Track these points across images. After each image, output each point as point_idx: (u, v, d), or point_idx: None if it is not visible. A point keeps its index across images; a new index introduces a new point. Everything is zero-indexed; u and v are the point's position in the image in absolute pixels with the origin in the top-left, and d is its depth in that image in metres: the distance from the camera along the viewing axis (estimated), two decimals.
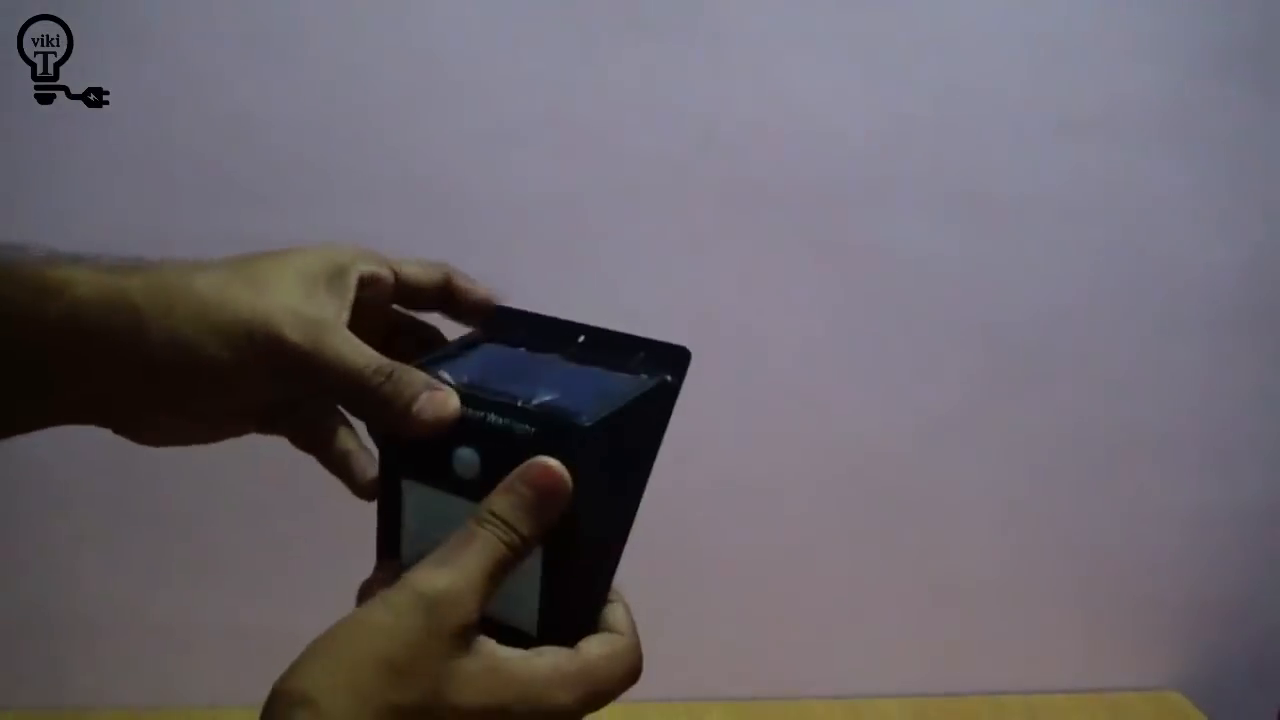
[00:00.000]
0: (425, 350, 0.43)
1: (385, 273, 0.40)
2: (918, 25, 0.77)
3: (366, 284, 0.40)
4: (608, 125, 0.78)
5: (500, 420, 0.37)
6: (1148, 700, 0.96)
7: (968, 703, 0.96)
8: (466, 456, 0.38)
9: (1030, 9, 0.78)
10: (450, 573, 0.33)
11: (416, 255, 0.43)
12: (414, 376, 0.37)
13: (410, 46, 0.76)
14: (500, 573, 0.34)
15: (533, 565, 0.37)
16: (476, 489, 0.37)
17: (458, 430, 0.37)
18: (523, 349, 0.43)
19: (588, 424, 0.36)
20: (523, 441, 0.36)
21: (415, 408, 0.37)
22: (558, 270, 0.80)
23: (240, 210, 0.75)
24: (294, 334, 0.36)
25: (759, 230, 0.81)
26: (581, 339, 0.43)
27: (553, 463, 0.35)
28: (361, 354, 0.37)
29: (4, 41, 0.68)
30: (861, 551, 0.92)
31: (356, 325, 0.39)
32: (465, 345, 0.43)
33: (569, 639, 0.37)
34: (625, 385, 0.41)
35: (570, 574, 0.37)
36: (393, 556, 0.42)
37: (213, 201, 0.76)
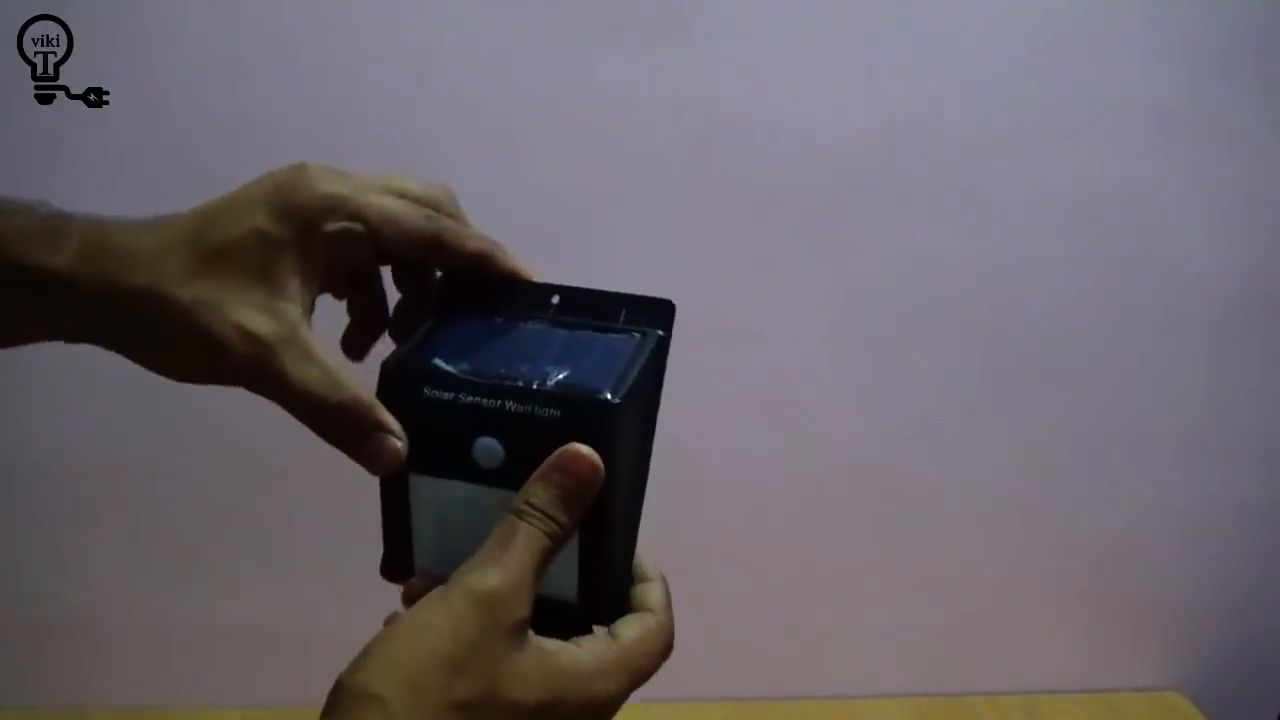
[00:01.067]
0: (415, 281, 0.42)
1: (355, 227, 0.37)
2: (918, 25, 0.77)
3: (336, 241, 0.37)
4: (607, 125, 0.78)
5: (521, 407, 0.36)
6: (1148, 700, 0.96)
7: (968, 703, 0.95)
8: (489, 446, 0.36)
9: (1030, 9, 0.78)
10: (501, 571, 0.34)
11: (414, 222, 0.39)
12: (361, 416, 0.36)
13: (409, 46, 0.76)
14: (546, 563, 0.35)
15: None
16: (501, 477, 0.36)
17: (475, 420, 0.36)
18: (500, 318, 0.41)
19: (616, 401, 0.36)
20: (548, 425, 0.36)
21: (365, 451, 0.37)
22: (555, 269, 0.79)
23: None
24: (243, 361, 0.36)
25: (759, 230, 0.81)
26: (556, 300, 0.42)
27: (585, 450, 0.35)
28: (303, 384, 0.36)
29: (4, 41, 0.68)
30: (862, 551, 0.92)
31: (336, 266, 0.38)
32: (440, 320, 0.41)
33: (609, 600, 0.38)
34: (624, 347, 0.40)
35: (606, 542, 0.38)
36: (404, 566, 0.40)
37: None
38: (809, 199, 0.81)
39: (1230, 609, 0.96)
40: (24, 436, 0.85)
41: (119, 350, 0.38)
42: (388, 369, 0.38)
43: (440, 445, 0.37)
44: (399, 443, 0.37)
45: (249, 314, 0.36)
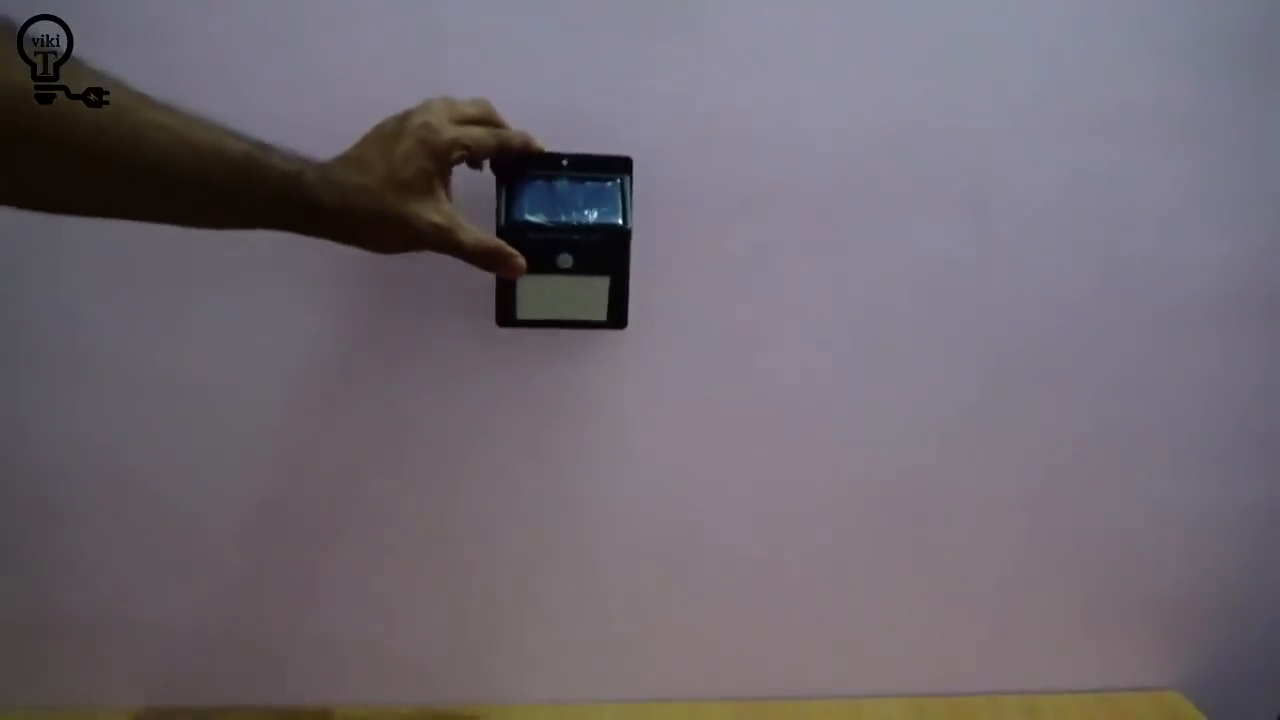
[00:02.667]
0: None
1: (463, 153, 0.67)
2: (919, 25, 0.77)
3: (456, 161, 0.67)
4: (607, 125, 0.78)
5: (580, 236, 0.72)
6: (1148, 700, 0.96)
7: (968, 703, 0.96)
8: (565, 258, 0.72)
9: (1031, 9, 0.78)
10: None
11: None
12: (503, 250, 0.67)
13: (410, 45, 0.76)
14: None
15: (602, 288, 0.75)
16: (571, 271, 0.73)
17: (556, 245, 0.72)
18: (540, 181, 0.73)
19: (629, 227, 0.73)
20: (597, 242, 0.72)
21: (506, 270, 0.68)
22: None
23: None
24: (436, 240, 0.65)
25: (759, 230, 0.81)
26: (565, 162, 0.74)
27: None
28: (472, 242, 0.66)
29: None
30: (862, 551, 0.92)
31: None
32: (509, 188, 0.73)
33: (621, 315, 0.77)
34: (616, 188, 0.74)
35: (621, 288, 0.76)
36: (511, 319, 0.76)
37: None
38: (809, 199, 0.81)
39: (1230, 609, 0.96)
40: (26, 436, 0.85)
41: (347, 241, 0.64)
42: (504, 228, 0.71)
43: (537, 259, 0.70)
44: (522, 261, 0.68)
45: (433, 214, 0.64)
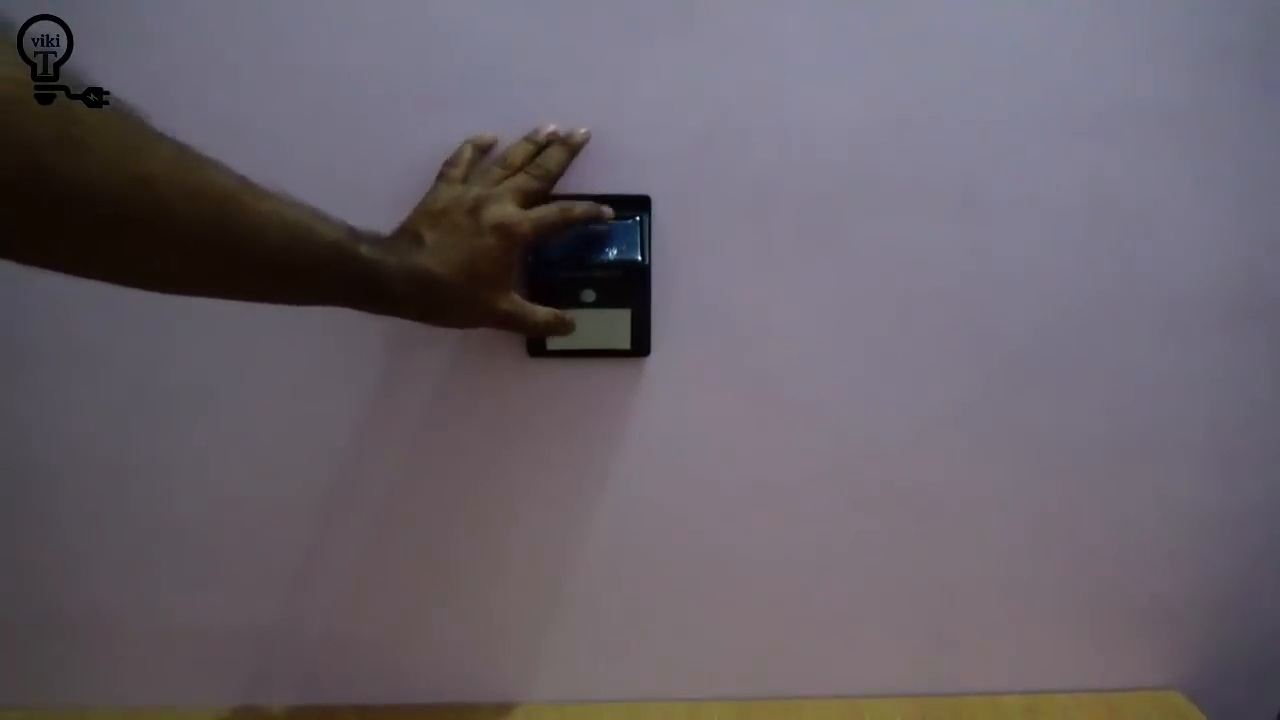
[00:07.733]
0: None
1: (531, 241, 0.72)
2: (918, 25, 0.77)
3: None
4: (607, 125, 0.78)
5: (602, 273, 0.77)
6: (1148, 700, 0.96)
7: (968, 703, 0.96)
8: (588, 293, 0.77)
9: (1030, 9, 0.77)
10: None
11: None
12: (562, 322, 0.75)
13: (411, 47, 0.76)
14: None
15: (624, 320, 0.79)
16: (595, 306, 0.78)
17: (581, 282, 0.77)
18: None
19: (647, 263, 0.78)
20: (618, 278, 0.77)
21: (561, 332, 0.76)
22: None
23: None
24: (505, 323, 0.71)
25: (758, 230, 0.81)
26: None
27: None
28: (542, 319, 0.74)
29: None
30: (861, 551, 0.92)
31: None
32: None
33: (645, 344, 0.81)
34: (634, 228, 0.78)
35: (642, 319, 0.80)
36: (542, 349, 0.81)
37: None
38: (809, 199, 0.81)
39: (1230, 609, 0.96)
40: (27, 435, 0.85)
41: (415, 320, 0.67)
42: (531, 268, 0.77)
43: (562, 295, 0.77)
44: (572, 318, 0.76)
45: (506, 303, 0.71)
